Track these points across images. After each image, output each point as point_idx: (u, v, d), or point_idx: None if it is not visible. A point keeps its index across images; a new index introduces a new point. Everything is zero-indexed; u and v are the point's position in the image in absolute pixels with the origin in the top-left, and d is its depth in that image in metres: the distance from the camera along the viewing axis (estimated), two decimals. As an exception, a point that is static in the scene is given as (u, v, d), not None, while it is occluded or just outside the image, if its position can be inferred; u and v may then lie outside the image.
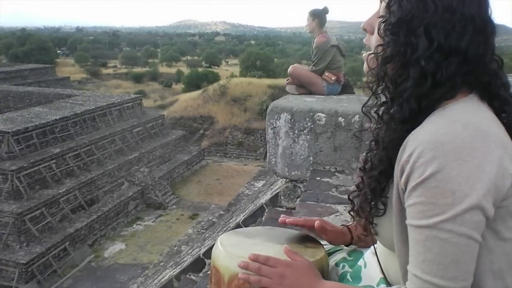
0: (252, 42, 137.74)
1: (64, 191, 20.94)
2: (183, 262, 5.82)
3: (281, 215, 1.49)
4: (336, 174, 4.14)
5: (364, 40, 1.22)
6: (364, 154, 1.26)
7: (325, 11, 5.19)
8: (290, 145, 4.38)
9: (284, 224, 1.47)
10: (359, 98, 4.80)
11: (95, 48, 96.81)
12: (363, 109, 1.19)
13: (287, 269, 1.18)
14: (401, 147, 1.01)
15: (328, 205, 3.19)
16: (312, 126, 4.28)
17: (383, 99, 1.14)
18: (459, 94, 1.03)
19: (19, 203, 19.03)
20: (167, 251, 15.73)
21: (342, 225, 1.49)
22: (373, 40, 1.15)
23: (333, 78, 5.06)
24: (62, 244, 19.45)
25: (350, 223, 1.49)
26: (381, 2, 1.13)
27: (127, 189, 25.50)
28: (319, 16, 5.15)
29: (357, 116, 4.13)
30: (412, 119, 1.03)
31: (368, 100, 1.17)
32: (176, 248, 12.66)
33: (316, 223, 1.41)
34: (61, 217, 20.51)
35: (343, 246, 1.51)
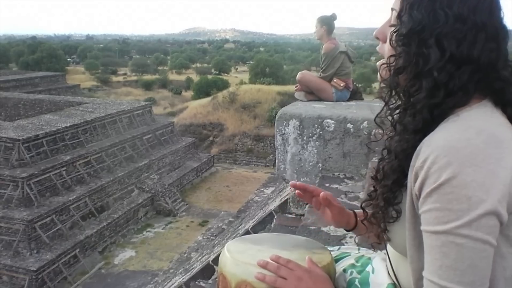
0: (262, 49, 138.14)
1: (75, 198, 21.01)
2: (192, 269, 5.82)
3: (292, 181, 1.48)
4: (345, 180, 4.13)
5: (377, 48, 1.22)
6: (373, 161, 1.25)
7: (333, 17, 5.19)
8: (299, 151, 4.38)
9: (295, 191, 1.46)
10: (369, 105, 4.79)
11: (105, 56, 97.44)
12: (376, 119, 1.19)
13: (306, 274, 1.19)
14: (415, 153, 1.01)
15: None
16: (321, 132, 4.27)
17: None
18: (473, 100, 1.02)
19: (30, 210, 19.12)
20: (176, 258, 15.75)
21: (350, 209, 1.48)
22: (386, 48, 1.14)
23: (341, 85, 5.06)
24: (72, 251, 19.51)
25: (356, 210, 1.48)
26: (392, 10, 1.12)
27: (137, 196, 25.55)
28: (327, 23, 5.15)
29: (366, 122, 4.12)
30: (425, 128, 1.03)
31: (381, 111, 1.17)
32: (185, 255, 12.66)
33: (322, 193, 1.39)
34: (72, 224, 20.57)
35: (350, 252, 1.51)
